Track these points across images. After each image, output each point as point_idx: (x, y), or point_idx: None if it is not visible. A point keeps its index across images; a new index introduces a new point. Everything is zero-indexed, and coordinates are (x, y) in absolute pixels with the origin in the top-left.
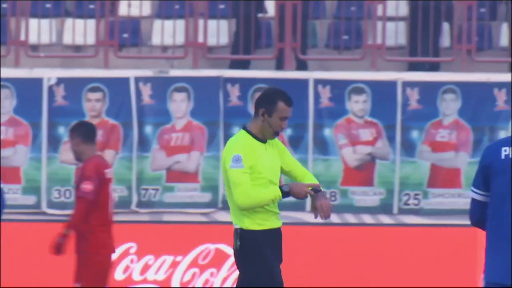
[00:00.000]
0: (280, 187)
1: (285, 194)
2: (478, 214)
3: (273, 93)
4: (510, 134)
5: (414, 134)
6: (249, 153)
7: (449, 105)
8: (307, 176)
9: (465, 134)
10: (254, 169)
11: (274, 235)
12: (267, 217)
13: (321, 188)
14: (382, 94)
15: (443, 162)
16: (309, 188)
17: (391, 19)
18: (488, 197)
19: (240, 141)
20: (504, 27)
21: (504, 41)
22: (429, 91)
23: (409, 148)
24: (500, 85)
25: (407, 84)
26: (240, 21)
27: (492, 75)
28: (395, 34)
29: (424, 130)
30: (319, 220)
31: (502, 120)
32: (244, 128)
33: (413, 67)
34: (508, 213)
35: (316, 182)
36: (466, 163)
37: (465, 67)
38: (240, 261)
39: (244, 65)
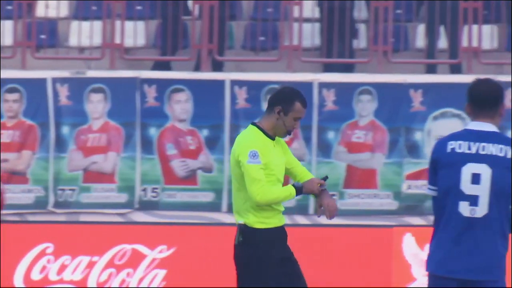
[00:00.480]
0: (293, 184)
1: (298, 191)
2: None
3: (291, 92)
4: (456, 130)
5: (330, 135)
6: (264, 150)
7: (365, 106)
8: (307, 175)
9: (381, 135)
10: (267, 166)
11: (278, 233)
12: (272, 215)
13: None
14: None
15: (359, 163)
16: (318, 185)
17: (307, 20)
18: None
19: (254, 137)
20: (420, 28)
21: (420, 42)
22: (345, 92)
23: (325, 149)
24: (416, 86)
25: (323, 85)
26: (166, 22)
27: (408, 76)
28: (311, 35)
29: (340, 131)
30: (322, 220)
31: (418, 121)
32: (254, 124)
33: (329, 68)
34: (452, 205)
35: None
36: (382, 164)
37: (381, 68)
38: (239, 257)
39: (165, 66)
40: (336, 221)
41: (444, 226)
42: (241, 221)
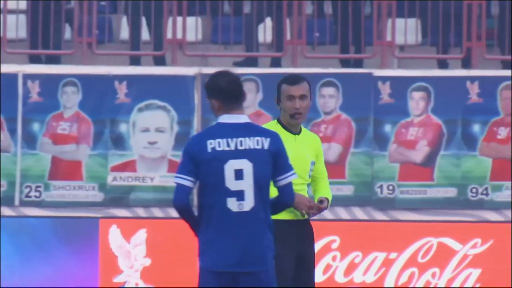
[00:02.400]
0: None
1: None
2: (184, 199)
3: (279, 81)
4: (211, 126)
5: (35, 126)
6: None
7: (70, 98)
8: (322, 191)
9: (86, 126)
10: None
11: (286, 226)
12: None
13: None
14: (3, 86)
15: (65, 154)
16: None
17: (12, 12)
18: (193, 183)
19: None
20: (124, 20)
21: (124, 34)
22: (50, 84)
23: (30, 141)
24: (120, 78)
25: (28, 77)
26: None
27: (113, 68)
28: (16, 27)
29: (45, 122)
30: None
31: (123, 113)
32: (277, 118)
33: (35, 59)
34: (220, 203)
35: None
36: (87, 156)
37: (86, 60)
38: None
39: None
40: (42, 212)
41: (215, 223)
42: None
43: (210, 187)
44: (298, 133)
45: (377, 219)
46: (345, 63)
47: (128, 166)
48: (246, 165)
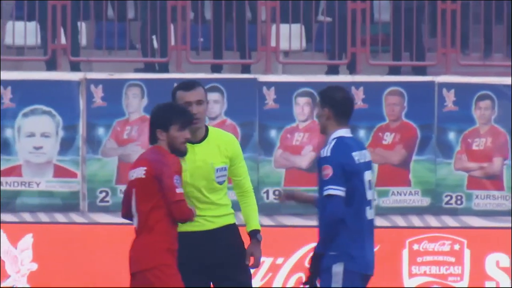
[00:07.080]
0: None
1: None
2: (342, 210)
3: (173, 88)
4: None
5: None
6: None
7: None
8: (250, 218)
9: None
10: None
11: (183, 238)
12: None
13: None
14: None
15: None
16: None
17: None
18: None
19: None
20: (9, 25)
21: (9, 39)
22: None
23: None
24: (5, 83)
25: None
26: None
27: None
28: None
29: None
30: None
31: (8, 118)
32: None
33: None
34: (362, 211)
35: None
36: None
37: None
38: None
39: None
40: None
41: (359, 230)
42: None
43: (356, 197)
44: (200, 141)
45: (263, 224)
46: (232, 68)
47: (14, 171)
48: (372, 176)
